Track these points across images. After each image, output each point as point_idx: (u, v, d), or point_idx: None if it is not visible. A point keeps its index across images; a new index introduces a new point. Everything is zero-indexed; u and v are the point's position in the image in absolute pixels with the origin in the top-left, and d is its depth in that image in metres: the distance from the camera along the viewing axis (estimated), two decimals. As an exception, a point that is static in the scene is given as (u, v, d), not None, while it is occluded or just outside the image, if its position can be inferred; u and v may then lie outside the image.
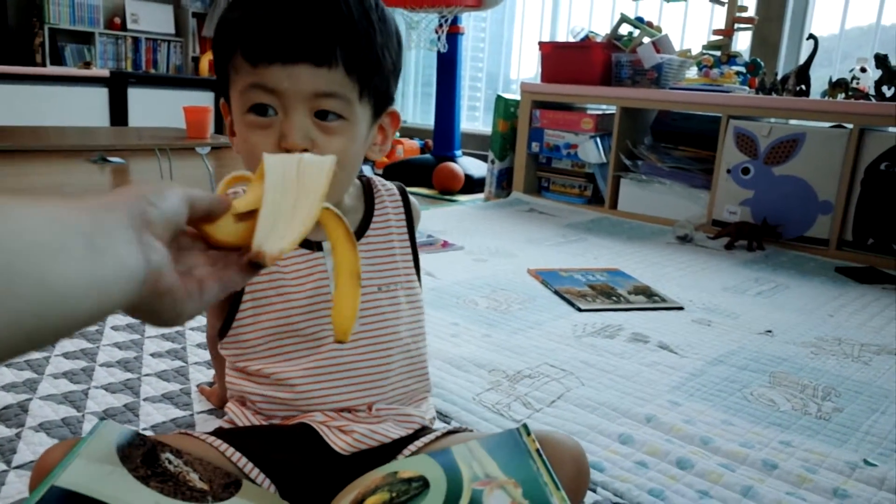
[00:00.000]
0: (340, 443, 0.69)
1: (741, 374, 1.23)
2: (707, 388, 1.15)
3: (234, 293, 0.71)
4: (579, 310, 1.54)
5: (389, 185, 0.82)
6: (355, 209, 0.77)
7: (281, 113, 0.65)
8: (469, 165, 3.39)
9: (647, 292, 1.69)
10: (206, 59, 4.95)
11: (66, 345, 1.17)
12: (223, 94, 0.70)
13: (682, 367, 1.24)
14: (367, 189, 0.80)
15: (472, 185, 3.26)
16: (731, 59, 2.66)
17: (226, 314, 0.75)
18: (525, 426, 0.63)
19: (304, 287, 0.72)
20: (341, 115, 0.66)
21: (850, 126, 2.23)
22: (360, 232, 0.76)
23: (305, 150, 0.64)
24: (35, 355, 1.12)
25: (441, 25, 3.21)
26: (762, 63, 2.67)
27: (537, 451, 0.59)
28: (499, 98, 3.14)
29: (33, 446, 0.85)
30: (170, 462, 0.60)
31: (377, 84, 0.68)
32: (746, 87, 2.61)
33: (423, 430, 0.74)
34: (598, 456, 0.91)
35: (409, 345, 0.77)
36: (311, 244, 0.73)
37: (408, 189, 0.84)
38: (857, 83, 2.35)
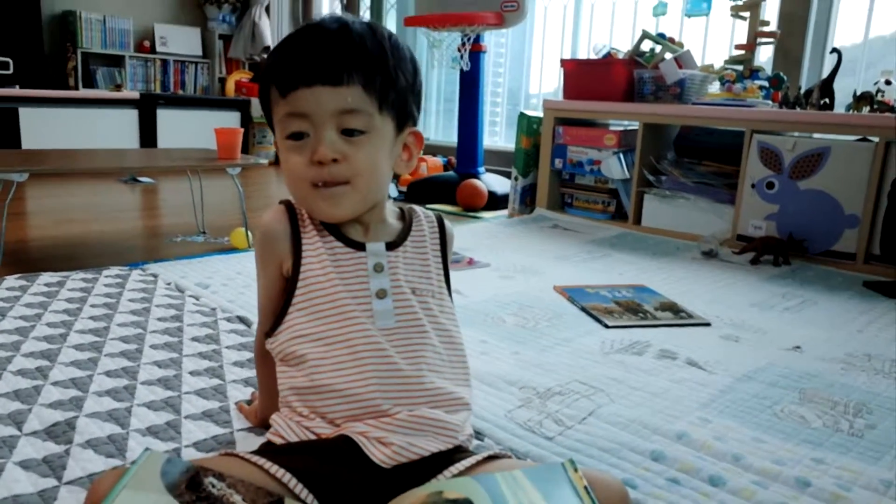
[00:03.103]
0: (380, 455, 0.72)
1: (771, 390, 1.23)
2: (737, 405, 1.16)
3: (287, 285, 0.81)
4: (606, 326, 1.55)
5: (429, 213, 0.91)
6: (395, 224, 0.87)
7: (312, 134, 0.76)
8: (492, 182, 3.41)
9: (674, 308, 1.70)
10: (233, 80, 5.05)
11: (108, 363, 1.21)
12: (269, 122, 0.83)
13: (711, 384, 1.24)
14: (408, 214, 0.89)
15: (496, 201, 3.28)
16: (754, 73, 2.67)
17: (279, 310, 0.82)
18: (572, 461, 0.64)
19: (346, 281, 0.80)
20: (364, 129, 0.77)
21: (876, 139, 2.23)
22: (399, 241, 0.84)
23: (335, 161, 0.76)
24: (79, 373, 1.16)
25: (463, 44, 3.26)
26: (785, 77, 2.67)
27: (585, 488, 0.60)
28: (521, 115, 3.16)
29: (82, 462, 0.89)
30: (213, 486, 0.62)
31: (394, 98, 0.78)
32: (770, 102, 2.61)
33: (461, 449, 0.76)
34: (631, 473, 0.93)
35: (441, 351, 0.82)
36: (355, 244, 0.82)
37: (431, 206, 0.90)
38: (882, 96, 2.34)
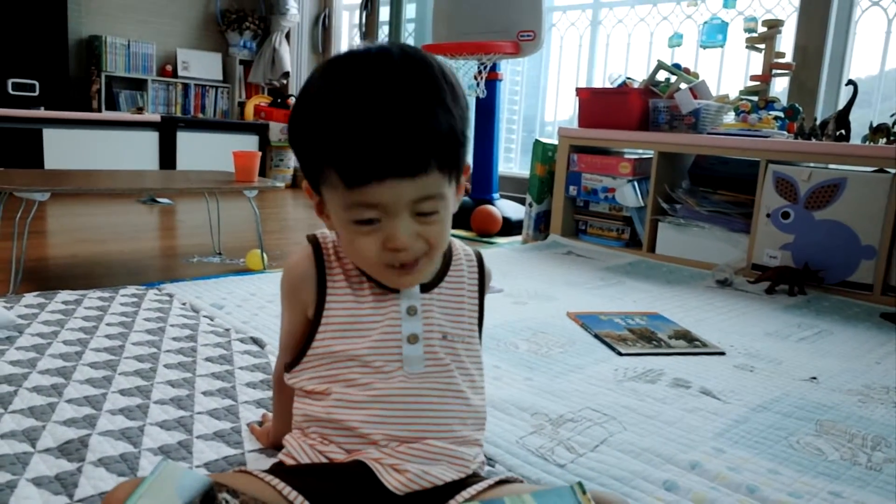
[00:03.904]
0: (394, 482, 0.71)
1: (786, 421, 1.22)
2: (752, 436, 1.14)
3: (312, 323, 0.78)
4: (620, 354, 1.54)
5: (469, 250, 0.88)
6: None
7: (384, 219, 0.70)
8: (506, 208, 3.42)
9: (688, 337, 1.69)
10: (252, 104, 5.12)
11: (122, 382, 1.21)
12: (308, 179, 0.75)
13: (725, 414, 1.23)
14: (447, 249, 0.85)
15: (510, 227, 3.29)
16: (769, 104, 2.67)
17: (300, 347, 0.80)
18: (580, 484, 0.64)
19: (377, 324, 0.77)
20: (439, 209, 0.71)
21: (893, 171, 2.22)
22: (436, 282, 0.81)
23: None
24: (93, 391, 1.16)
25: (480, 72, 3.29)
26: (800, 108, 2.67)
27: None
28: (537, 142, 3.18)
29: (94, 481, 0.89)
30: (227, 502, 0.63)
31: (462, 157, 0.74)
32: (785, 132, 2.61)
33: (474, 476, 0.76)
34: (643, 502, 0.91)
35: (466, 393, 0.80)
36: (387, 287, 0.78)
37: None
38: (899, 127, 2.34)
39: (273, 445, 1.00)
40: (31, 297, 1.71)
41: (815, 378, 1.45)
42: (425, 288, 0.80)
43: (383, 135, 0.66)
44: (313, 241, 0.81)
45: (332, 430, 0.76)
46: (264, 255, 2.27)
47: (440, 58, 0.73)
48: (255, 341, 1.48)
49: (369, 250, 0.71)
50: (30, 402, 1.11)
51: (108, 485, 0.88)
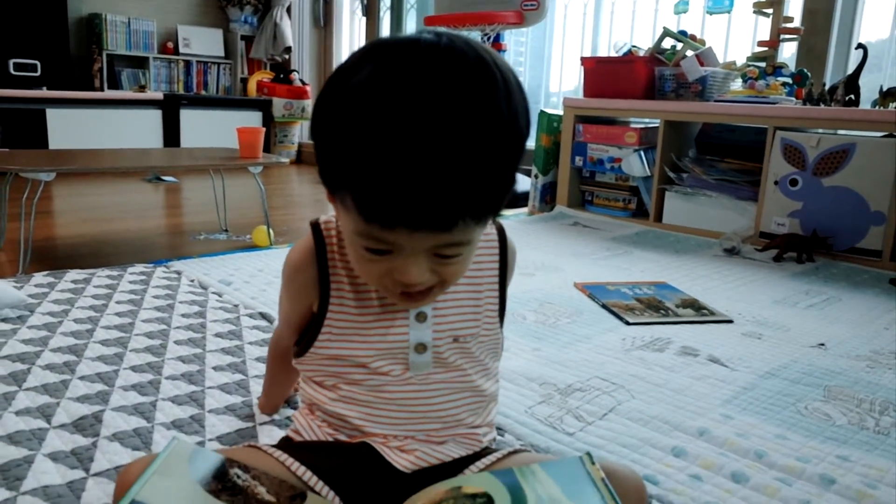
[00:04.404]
0: (402, 461, 0.71)
1: (794, 387, 1.22)
2: (760, 402, 1.15)
3: (314, 319, 0.73)
4: (627, 323, 1.55)
5: (489, 229, 0.76)
6: None
7: (397, 252, 0.60)
8: (512, 180, 3.41)
9: (696, 305, 1.69)
10: (254, 80, 5.09)
11: (133, 358, 1.23)
12: (321, 176, 0.62)
13: (733, 381, 1.23)
14: None
15: (516, 199, 3.27)
16: (777, 70, 2.64)
17: (301, 334, 0.76)
18: (589, 455, 0.64)
19: (383, 330, 0.72)
20: (462, 253, 0.62)
21: (903, 135, 2.19)
22: None
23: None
24: (105, 368, 1.18)
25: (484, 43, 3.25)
26: (809, 73, 2.64)
27: (603, 480, 0.60)
28: (542, 113, 3.16)
29: (109, 455, 0.90)
30: (238, 477, 0.63)
31: (503, 207, 0.62)
32: (793, 98, 2.58)
33: (485, 451, 0.75)
34: (652, 469, 0.92)
35: (477, 383, 0.76)
36: None
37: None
38: (909, 91, 2.31)
39: (267, 412, 1.02)
40: (40, 277, 1.72)
41: (823, 344, 1.46)
42: None
43: (419, 184, 0.53)
44: (315, 231, 0.73)
45: (337, 421, 0.74)
46: (271, 231, 2.27)
47: (497, 55, 0.60)
48: (264, 316, 1.49)
49: (375, 274, 0.63)
50: (43, 379, 1.12)
51: (123, 458, 0.89)
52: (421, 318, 0.71)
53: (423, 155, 0.53)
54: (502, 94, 0.56)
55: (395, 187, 0.54)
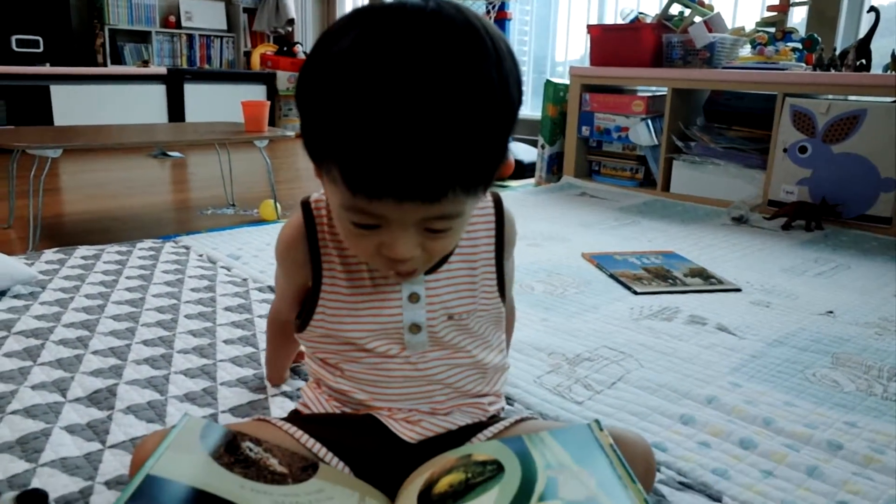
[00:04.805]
0: (408, 432, 0.71)
1: (802, 355, 1.22)
2: (768, 370, 1.15)
3: (310, 296, 0.73)
4: (635, 293, 1.55)
5: (485, 202, 0.75)
6: None
7: (386, 226, 0.59)
8: (518, 150, 3.39)
9: (704, 274, 1.69)
10: (258, 53, 5.06)
11: (145, 333, 1.24)
12: (307, 149, 0.60)
13: (741, 349, 1.24)
14: None
15: (523, 170, 3.26)
16: (787, 35, 2.60)
17: (300, 309, 0.76)
18: (597, 422, 0.65)
19: (376, 311, 0.71)
20: (453, 226, 0.61)
21: (915, 100, 2.16)
22: (444, 258, 0.71)
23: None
24: (118, 342, 1.19)
25: (488, 12, 3.22)
26: (819, 38, 2.60)
27: (611, 445, 0.61)
28: (548, 83, 3.13)
29: (124, 427, 0.91)
30: (250, 450, 0.64)
31: (494, 177, 0.60)
32: (803, 64, 2.55)
33: (493, 419, 0.76)
34: (661, 436, 0.93)
35: (478, 356, 0.75)
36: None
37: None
38: (922, 55, 2.27)
39: (273, 384, 1.04)
40: (50, 254, 1.74)
41: (831, 312, 1.45)
42: (431, 268, 0.71)
43: (404, 152, 0.52)
44: (305, 209, 0.73)
45: (342, 396, 0.75)
46: (278, 205, 2.27)
47: (488, 22, 0.59)
48: (273, 290, 1.50)
49: (364, 249, 0.62)
50: (57, 354, 1.14)
51: (139, 431, 0.91)
52: (413, 298, 0.71)
53: (408, 122, 0.51)
54: (492, 60, 0.54)
55: (380, 156, 0.52)
